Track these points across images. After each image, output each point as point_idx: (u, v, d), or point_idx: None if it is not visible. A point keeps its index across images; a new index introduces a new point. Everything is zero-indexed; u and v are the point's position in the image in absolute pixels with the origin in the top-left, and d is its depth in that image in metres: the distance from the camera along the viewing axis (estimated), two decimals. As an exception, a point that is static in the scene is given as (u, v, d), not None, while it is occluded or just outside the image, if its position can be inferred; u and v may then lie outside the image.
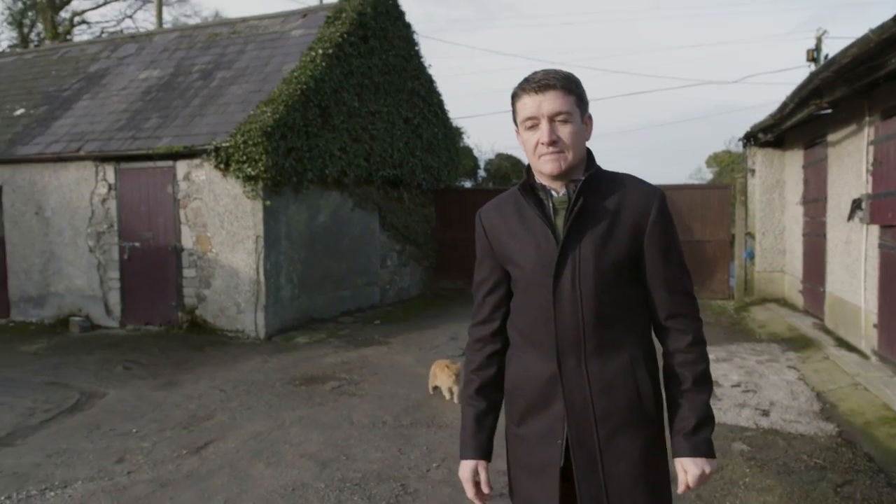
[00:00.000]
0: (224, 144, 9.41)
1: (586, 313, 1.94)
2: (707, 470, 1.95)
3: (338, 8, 11.43)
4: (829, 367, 7.19)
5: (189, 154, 9.87)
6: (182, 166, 10.05)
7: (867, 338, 7.47)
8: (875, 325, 7.23)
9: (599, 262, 1.94)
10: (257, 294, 9.66)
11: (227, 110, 10.36)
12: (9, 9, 32.02)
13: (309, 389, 7.11)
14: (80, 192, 10.86)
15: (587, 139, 2.05)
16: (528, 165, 2.09)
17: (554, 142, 1.93)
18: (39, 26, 32.58)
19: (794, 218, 11.36)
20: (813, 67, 20.05)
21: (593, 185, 1.99)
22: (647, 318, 2.06)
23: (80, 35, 33.30)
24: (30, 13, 32.36)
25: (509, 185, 25.04)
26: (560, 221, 1.99)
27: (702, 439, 1.96)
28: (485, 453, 2.14)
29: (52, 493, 4.57)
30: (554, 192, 2.02)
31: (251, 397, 6.86)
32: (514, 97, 2.03)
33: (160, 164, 10.20)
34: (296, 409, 6.38)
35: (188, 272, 10.19)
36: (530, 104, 1.96)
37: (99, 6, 33.29)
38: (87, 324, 10.73)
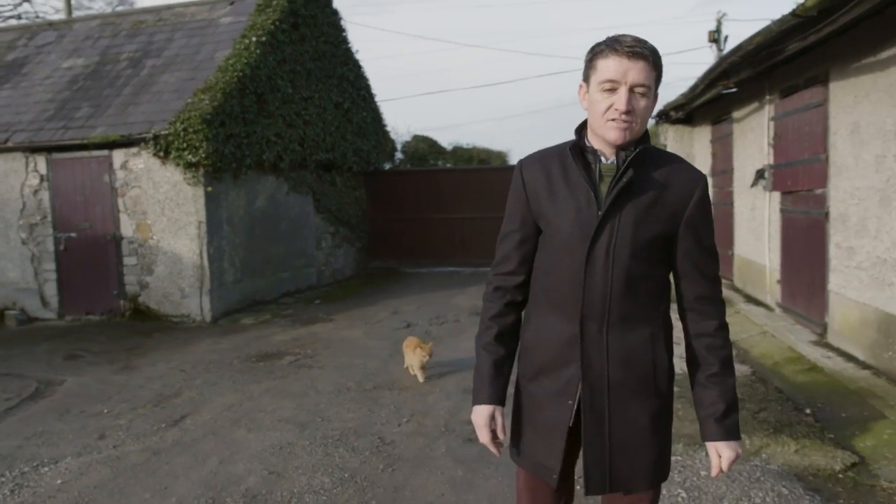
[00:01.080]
0: (163, 132, 9.53)
1: (615, 283, 1.97)
2: (739, 452, 2.03)
3: (268, -5, 11.60)
4: (741, 319, 8.01)
5: (126, 143, 9.93)
6: (119, 155, 10.10)
7: (772, 293, 8.34)
8: (778, 281, 8.09)
9: (637, 235, 1.96)
10: (202, 279, 9.86)
11: (161, 98, 10.44)
12: None
13: (268, 365, 7.44)
14: (10, 183, 10.74)
15: (652, 113, 2.05)
16: (582, 125, 2.09)
17: (629, 112, 1.91)
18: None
19: (704, 189, 12.28)
20: (714, 48, 21.32)
21: (642, 159, 1.99)
22: (668, 297, 2.09)
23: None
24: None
25: (427, 165, 25.50)
26: (604, 188, 2.00)
27: (732, 423, 2.01)
28: (501, 399, 2.14)
29: (46, 469, 4.81)
30: (603, 159, 2.02)
31: (213, 375, 7.15)
32: (599, 54, 1.96)
33: (95, 153, 10.20)
34: (260, 383, 6.72)
35: (129, 260, 10.27)
36: (616, 67, 1.90)
37: (-5, -10, 31.79)
38: (23, 317, 10.67)
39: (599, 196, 1.98)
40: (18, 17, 33.16)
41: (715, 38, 21.24)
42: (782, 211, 8.01)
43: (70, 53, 12.43)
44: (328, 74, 12.93)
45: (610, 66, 1.91)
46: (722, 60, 7.47)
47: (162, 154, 9.65)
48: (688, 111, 11.38)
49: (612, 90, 1.91)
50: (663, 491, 3.84)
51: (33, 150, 10.49)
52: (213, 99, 9.63)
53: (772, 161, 8.21)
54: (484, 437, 2.11)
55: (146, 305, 10.24)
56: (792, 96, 7.55)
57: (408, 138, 29.95)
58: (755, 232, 9.05)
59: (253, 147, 10.54)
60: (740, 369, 6.24)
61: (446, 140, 36.84)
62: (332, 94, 13.06)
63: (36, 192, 10.62)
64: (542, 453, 2.08)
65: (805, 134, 7.22)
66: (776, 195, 8.18)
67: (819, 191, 6.85)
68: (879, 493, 3.81)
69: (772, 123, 8.18)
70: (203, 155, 9.40)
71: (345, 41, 13.61)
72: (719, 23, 21.42)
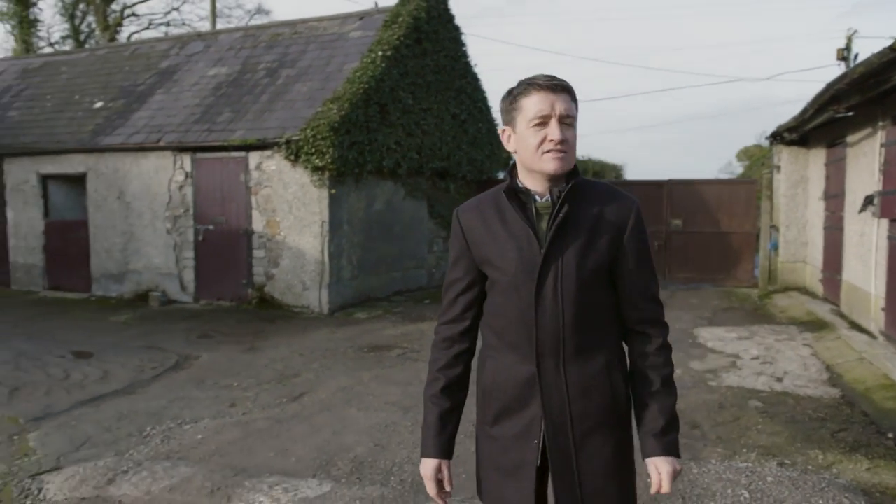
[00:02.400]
0: (294, 138, 10.44)
1: (567, 317, 2.00)
2: (678, 468, 2.04)
3: (395, 12, 12.38)
4: (840, 345, 8.04)
5: (261, 146, 10.92)
6: (254, 157, 11.10)
7: (875, 320, 8.31)
8: (882, 309, 8.07)
9: (581, 268, 2.00)
10: (322, 273, 10.70)
11: (294, 106, 11.38)
12: (62, 1, 33.25)
13: (377, 355, 8.12)
14: (159, 179, 11.97)
15: None
16: (512, 168, 2.14)
17: (563, 140, 1.97)
18: (90, 18, 33.88)
19: (815, 212, 12.14)
20: (843, 66, 20.70)
21: (576, 193, 2.04)
22: (618, 323, 2.13)
23: (128, 26, 34.54)
24: (81, 5, 33.57)
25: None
26: (543, 226, 2.05)
27: (671, 440, 2.04)
28: (447, 452, 2.17)
29: (188, 426, 5.62)
30: (538, 197, 2.07)
31: (328, 360, 7.89)
32: (520, 95, 2.03)
33: (234, 154, 11.26)
34: (370, 370, 7.39)
35: (258, 253, 11.25)
36: (543, 102, 1.98)
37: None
38: (164, 298, 11.86)
39: (539, 234, 2.03)
40: (167, 23, 35.89)
41: (844, 56, 20.58)
42: (889, 238, 8.00)
43: (215, 62, 13.65)
44: (447, 87, 13.61)
45: (537, 103, 1.98)
46: (829, 87, 7.58)
47: (293, 157, 10.56)
48: (801, 133, 11.33)
49: (543, 124, 1.98)
50: (728, 490, 4.18)
51: (181, 149, 11.66)
52: (341, 108, 10.45)
53: (881, 187, 8.20)
54: (431, 490, 2.15)
55: (271, 295, 11.19)
56: (903, 124, 7.56)
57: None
58: (863, 258, 9.00)
59: (374, 154, 11.32)
60: (829, 392, 6.39)
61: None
62: (449, 106, 13.73)
63: (181, 187, 11.79)
64: (513, 496, 2.08)
65: (914, 162, 7.23)
66: (884, 222, 8.16)
67: (924, 219, 6.86)
68: (941, 510, 4.00)
69: (883, 149, 8.17)
70: (329, 160, 10.22)
71: (464, 55, 14.25)
72: (849, 40, 20.71)
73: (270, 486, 4.23)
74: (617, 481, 2.06)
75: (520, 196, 2.06)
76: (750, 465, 4.61)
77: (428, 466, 2.15)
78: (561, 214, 1.99)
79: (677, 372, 6.82)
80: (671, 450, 2.03)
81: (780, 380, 6.77)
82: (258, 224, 11.21)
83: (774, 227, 13.13)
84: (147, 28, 38.69)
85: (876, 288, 8.38)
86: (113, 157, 12.37)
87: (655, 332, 2.10)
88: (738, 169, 35.93)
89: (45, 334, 9.45)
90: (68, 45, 33.09)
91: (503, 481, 2.10)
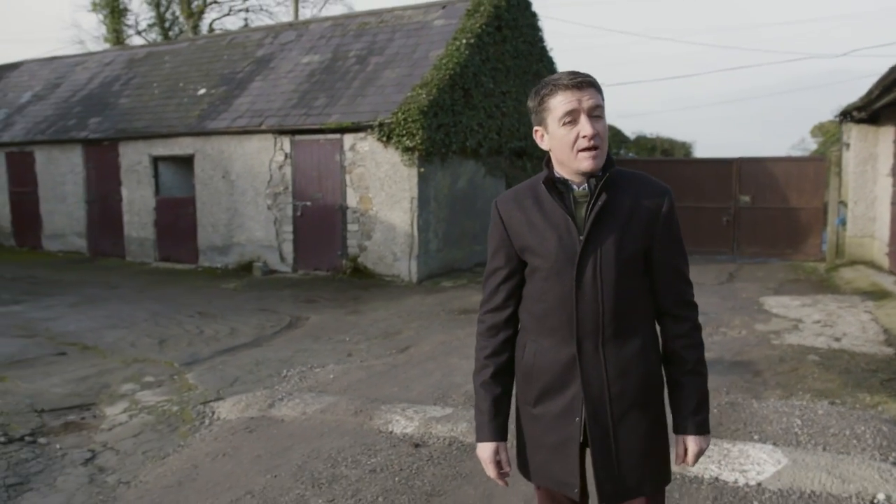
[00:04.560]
0: (387, 121, 11.39)
1: (606, 302, 2.09)
2: (705, 446, 2.18)
3: (476, 2, 13.19)
4: (899, 311, 8.61)
5: (355, 129, 11.90)
6: (348, 139, 12.11)
7: (934, 289, 8.83)
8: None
9: (619, 254, 2.09)
10: (411, 245, 11.68)
11: (384, 92, 12.33)
12: (147, -11, 34.93)
13: (468, 318, 9.03)
14: (261, 159, 13.11)
15: None
16: (547, 159, 2.20)
17: (595, 135, 2.03)
18: (175, 6, 35.54)
19: (883, 188, 12.52)
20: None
21: (612, 182, 2.12)
22: (652, 306, 2.21)
23: (209, 13, 36.06)
24: (166, -7, 35.21)
25: (610, 154, 26.30)
26: (581, 214, 2.12)
27: (702, 418, 2.17)
28: (502, 434, 2.27)
29: (318, 370, 6.65)
30: (575, 187, 2.14)
31: (424, 321, 8.85)
32: (547, 95, 2.09)
33: (330, 136, 12.28)
34: (463, 329, 8.31)
35: (352, 227, 12.29)
36: (570, 99, 2.04)
37: (230, -14, 35.88)
38: (265, 268, 13.04)
39: (578, 222, 2.11)
40: (246, 9, 37.35)
41: (921, 31, 20.45)
42: (950, 211, 8.50)
43: (308, 51, 14.69)
44: (525, 71, 14.38)
45: (564, 101, 2.06)
46: (893, 70, 8.09)
47: (384, 139, 11.52)
48: (870, 112, 11.72)
49: (573, 121, 2.06)
50: (783, 419, 4.95)
51: (281, 132, 12.75)
52: (429, 93, 11.35)
53: (943, 164, 8.68)
54: (491, 472, 2.26)
55: (364, 265, 12.23)
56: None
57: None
58: (926, 231, 9.49)
59: (458, 135, 12.20)
60: (883, 350, 7.02)
61: (630, 129, 37.26)
62: (527, 89, 14.48)
63: (280, 167, 12.90)
64: (560, 471, 2.18)
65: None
66: (945, 196, 8.65)
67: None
68: (970, 440, 4.70)
69: (946, 128, 8.65)
70: (419, 141, 11.15)
71: (541, 40, 14.98)
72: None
73: (402, 409, 5.20)
74: (652, 456, 2.16)
75: (558, 186, 2.15)
76: (804, 402, 5.35)
77: (486, 450, 2.26)
78: (599, 203, 2.08)
79: (742, 332, 7.66)
80: (701, 428, 2.17)
81: (838, 339, 7.43)
82: (352, 200, 12.23)
83: (842, 203, 13.53)
84: (227, 14, 40.29)
85: (937, 259, 8.89)
86: (218, 139, 13.57)
87: (687, 314, 2.20)
88: (811, 145, 35.51)
89: (169, 298, 10.68)
90: (154, 33, 34.91)
91: (549, 458, 2.20)
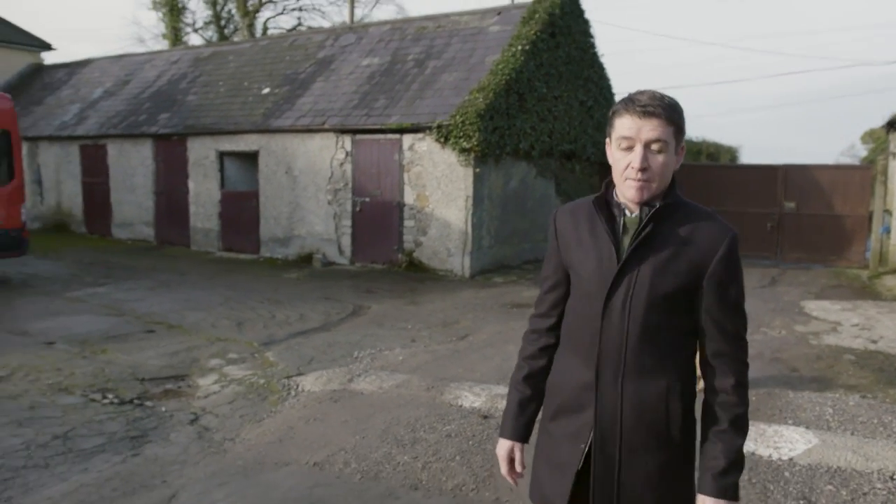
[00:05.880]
0: (445, 123, 11.99)
1: (631, 334, 2.02)
2: None
3: (531, 9, 13.72)
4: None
5: (413, 129, 12.53)
6: (407, 139, 12.74)
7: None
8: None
9: (653, 289, 2.00)
10: (465, 242, 12.27)
11: (441, 94, 12.93)
12: (204, -11, 36.01)
13: (520, 311, 9.59)
14: (323, 156, 13.81)
15: (676, 168, 2.07)
16: (609, 180, 2.16)
17: (644, 169, 1.98)
18: (231, 5, 36.62)
19: (928, 197, 12.78)
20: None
21: (667, 213, 2.04)
22: (692, 348, 2.11)
23: (264, 12, 37.06)
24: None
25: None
26: (627, 241, 2.07)
27: (730, 482, 2.01)
28: (522, 436, 2.29)
29: (387, 352, 7.28)
30: (628, 212, 2.08)
31: (479, 313, 9.43)
32: (615, 114, 2.05)
33: (389, 136, 12.93)
34: (517, 321, 8.87)
35: (408, 223, 12.93)
36: (630, 126, 1.99)
37: (285, -13, 36.84)
38: (325, 260, 13.75)
39: (621, 248, 2.07)
40: (300, 9, 38.32)
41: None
42: None
43: (367, 53, 15.37)
44: (576, 76, 14.88)
45: (625, 125, 2.01)
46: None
47: (442, 140, 12.12)
48: (916, 122, 11.99)
49: (629, 148, 2.01)
50: (816, 408, 5.42)
51: (342, 131, 13.44)
52: (486, 98, 11.93)
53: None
54: (503, 468, 2.30)
55: (419, 260, 12.86)
56: None
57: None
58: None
59: (512, 137, 12.76)
60: (918, 351, 7.41)
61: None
62: (578, 93, 14.99)
63: (341, 164, 13.59)
64: (551, 489, 2.17)
65: None
66: None
67: None
68: None
69: None
70: (475, 142, 11.73)
71: (592, 46, 15.46)
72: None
73: (469, 386, 5.80)
74: (658, 497, 2.07)
75: (611, 208, 2.12)
76: (837, 395, 5.82)
77: (503, 447, 2.30)
78: (644, 232, 2.02)
79: (782, 332, 8.10)
80: (727, 492, 2.01)
81: (874, 342, 7.83)
82: (409, 198, 12.86)
83: (888, 212, 13.77)
84: (281, 13, 41.47)
85: (976, 267, 9.20)
86: (282, 137, 14.31)
87: (732, 370, 2.06)
88: (861, 151, 35.38)
89: (237, 286, 11.42)
90: (211, 31, 36.07)
91: (547, 475, 2.20)
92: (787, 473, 4.22)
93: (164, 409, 5.63)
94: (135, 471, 4.40)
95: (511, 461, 2.29)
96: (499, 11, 14.66)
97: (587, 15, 15.14)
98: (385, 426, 5.04)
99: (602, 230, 2.08)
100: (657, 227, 2.03)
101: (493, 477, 4.20)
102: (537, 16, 13.49)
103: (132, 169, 17.05)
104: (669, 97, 2.02)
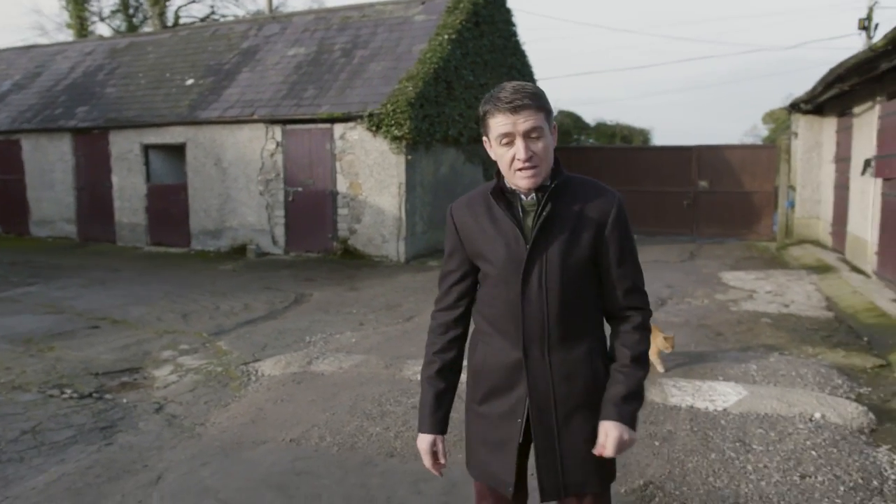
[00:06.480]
0: (376, 112, 12.21)
1: (551, 309, 2.13)
2: (626, 437, 2.12)
3: (456, -1, 14.06)
4: (840, 283, 9.78)
5: (344, 118, 12.70)
6: (339, 128, 12.90)
7: (870, 262, 10.02)
8: (875, 253, 9.78)
9: (564, 263, 2.12)
10: (399, 228, 12.56)
11: (371, 84, 13.13)
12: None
13: (459, 292, 9.95)
14: (253, 147, 13.82)
15: (554, 145, 2.16)
16: (498, 171, 2.20)
17: (530, 157, 2.06)
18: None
19: (827, 174, 13.76)
20: (863, 35, 21.96)
21: (559, 191, 2.14)
22: (602, 311, 2.25)
23: (174, 4, 36.10)
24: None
25: (570, 140, 27.42)
26: (528, 223, 2.15)
27: (628, 410, 2.13)
28: (442, 428, 2.33)
29: (337, 336, 7.52)
30: (523, 197, 2.16)
31: (420, 295, 9.74)
32: (487, 114, 2.12)
33: (321, 126, 13.06)
34: (458, 302, 9.22)
35: (342, 211, 13.12)
36: (505, 122, 2.06)
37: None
38: (259, 251, 13.80)
39: (525, 231, 2.15)
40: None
41: (865, 25, 21.83)
42: (883, 195, 9.66)
43: (293, 43, 15.39)
44: (500, 64, 15.31)
45: (500, 123, 2.08)
46: (831, 71, 9.23)
47: (374, 128, 12.34)
48: (816, 104, 12.91)
49: (510, 143, 2.09)
50: (741, 364, 5.97)
51: (272, 121, 13.48)
52: (416, 86, 12.21)
53: (877, 152, 9.84)
54: (427, 461, 2.33)
55: (354, 247, 13.07)
56: (894, 99, 9.18)
57: (555, 113, 32.02)
58: (863, 212, 10.67)
59: (441, 125, 13.10)
60: (825, 314, 8.15)
61: (590, 116, 38.52)
62: (502, 81, 15.38)
63: (272, 154, 13.63)
64: (497, 467, 2.26)
65: (902, 131, 8.87)
66: (879, 181, 9.81)
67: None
68: (891, 379, 5.79)
69: (879, 120, 9.80)
70: (406, 130, 12.01)
71: (514, 34, 15.92)
72: (870, 10, 22.00)
73: (426, 363, 6.11)
74: (596, 457, 2.18)
75: (506, 196, 2.19)
76: (758, 353, 6.42)
77: (424, 441, 2.33)
78: (544, 213, 2.11)
79: (705, 301, 8.75)
80: (624, 417, 2.12)
81: (786, 306, 8.55)
82: (342, 186, 13.04)
83: (791, 188, 14.76)
84: (193, 1, 40.51)
85: (871, 236, 10.08)
86: (210, 128, 14.23)
87: (635, 315, 2.21)
88: (762, 132, 37.19)
89: (174, 279, 11.39)
90: (118, 20, 34.88)
91: (489, 455, 2.28)
92: (723, 422, 4.72)
93: (125, 400, 5.73)
94: (113, 458, 4.54)
95: (434, 454, 2.34)
96: (423, 1, 14.93)
97: (509, 4, 15.57)
98: (352, 402, 5.31)
99: (503, 217, 2.16)
100: (555, 205, 2.14)
101: (462, 440, 4.53)
102: (462, 5, 13.83)
103: (50, 164, 16.57)
104: (531, 85, 2.11)
